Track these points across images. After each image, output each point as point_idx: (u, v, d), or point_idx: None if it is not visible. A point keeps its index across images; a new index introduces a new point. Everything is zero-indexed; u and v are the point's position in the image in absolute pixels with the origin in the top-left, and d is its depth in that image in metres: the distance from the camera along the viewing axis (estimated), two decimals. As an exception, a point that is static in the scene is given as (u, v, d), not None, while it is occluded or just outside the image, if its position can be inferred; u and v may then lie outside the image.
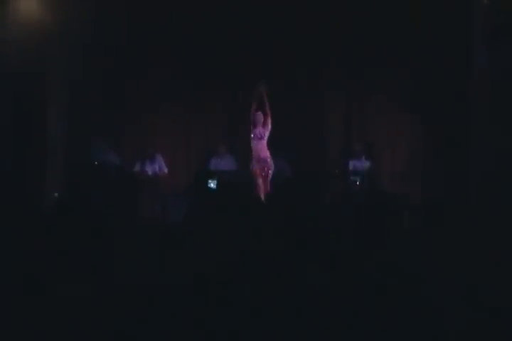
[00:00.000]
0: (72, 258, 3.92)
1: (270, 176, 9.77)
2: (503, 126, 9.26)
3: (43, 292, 3.43)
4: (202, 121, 11.28)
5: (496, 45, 9.48)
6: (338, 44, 11.04)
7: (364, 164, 10.50)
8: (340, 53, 11.12)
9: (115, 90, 10.57)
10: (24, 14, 9.18)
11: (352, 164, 10.54)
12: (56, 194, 9.23)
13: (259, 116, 9.72)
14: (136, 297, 3.37)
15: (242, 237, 4.23)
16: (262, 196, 9.36)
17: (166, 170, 10.31)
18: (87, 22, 9.78)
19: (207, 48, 10.94)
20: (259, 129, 9.73)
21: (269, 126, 9.69)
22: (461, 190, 9.46)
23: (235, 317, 3.22)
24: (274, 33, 10.81)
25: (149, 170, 10.20)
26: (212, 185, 9.08)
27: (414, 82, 10.79)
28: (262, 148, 9.74)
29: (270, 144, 9.96)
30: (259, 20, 10.82)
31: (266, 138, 9.74)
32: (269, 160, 9.76)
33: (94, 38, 10.02)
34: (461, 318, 3.19)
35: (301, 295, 3.35)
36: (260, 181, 9.69)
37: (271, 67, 10.98)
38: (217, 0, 10.71)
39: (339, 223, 5.45)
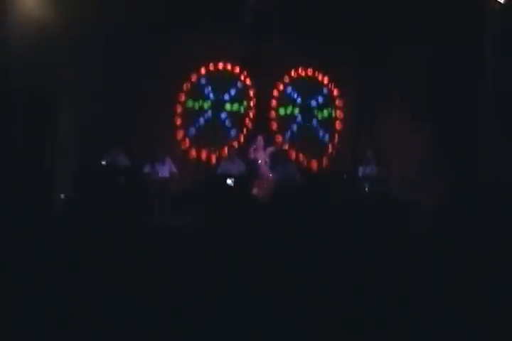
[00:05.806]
0: (82, 258, 3.93)
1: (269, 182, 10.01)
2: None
3: (51, 292, 3.45)
4: (211, 125, 11.30)
5: (506, 53, 9.50)
6: (348, 52, 11.05)
7: (374, 170, 10.47)
8: (350, 61, 11.15)
9: (125, 93, 10.52)
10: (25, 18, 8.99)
11: (362, 170, 10.52)
12: (62, 196, 9.26)
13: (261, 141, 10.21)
14: (145, 297, 3.38)
15: (248, 241, 4.24)
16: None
17: (176, 173, 10.31)
18: (95, 30, 9.68)
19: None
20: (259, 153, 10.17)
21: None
22: (469, 196, 9.43)
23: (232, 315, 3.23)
24: (286, 37, 10.84)
25: (159, 172, 10.19)
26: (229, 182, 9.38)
27: (424, 90, 10.78)
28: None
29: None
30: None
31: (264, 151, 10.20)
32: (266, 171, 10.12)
33: (102, 41, 9.94)
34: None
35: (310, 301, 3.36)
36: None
37: (282, 70, 11.13)
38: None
39: (348, 228, 5.45)
